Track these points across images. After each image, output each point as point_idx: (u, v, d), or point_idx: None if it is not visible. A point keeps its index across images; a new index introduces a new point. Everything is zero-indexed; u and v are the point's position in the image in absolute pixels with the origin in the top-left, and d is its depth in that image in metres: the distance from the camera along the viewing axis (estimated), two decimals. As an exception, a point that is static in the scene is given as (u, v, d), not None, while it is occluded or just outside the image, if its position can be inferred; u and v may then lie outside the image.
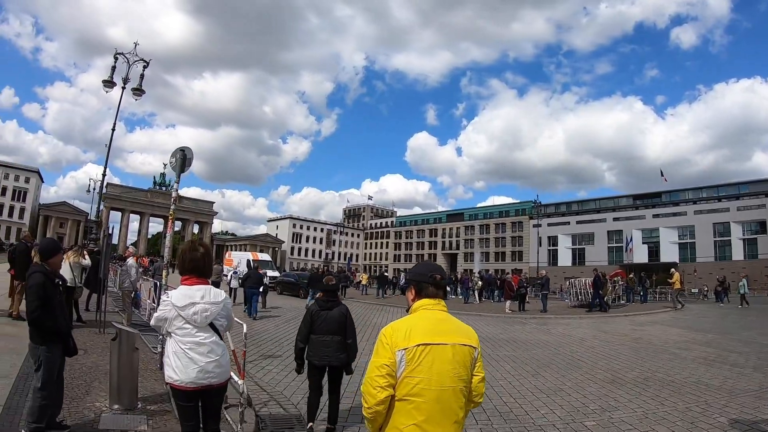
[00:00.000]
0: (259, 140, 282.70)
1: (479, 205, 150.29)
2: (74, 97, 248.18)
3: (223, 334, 4.53)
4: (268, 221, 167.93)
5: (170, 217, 11.27)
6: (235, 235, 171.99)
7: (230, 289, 27.28)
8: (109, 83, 25.13)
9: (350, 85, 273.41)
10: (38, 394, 5.35)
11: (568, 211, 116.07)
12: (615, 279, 33.35)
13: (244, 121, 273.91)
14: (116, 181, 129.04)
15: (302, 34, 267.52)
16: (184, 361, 4.22)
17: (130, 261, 14.35)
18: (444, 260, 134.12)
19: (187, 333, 4.29)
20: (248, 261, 44.17)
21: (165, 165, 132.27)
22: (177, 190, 11.37)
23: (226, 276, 32.31)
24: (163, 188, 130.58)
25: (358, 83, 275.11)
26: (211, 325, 4.40)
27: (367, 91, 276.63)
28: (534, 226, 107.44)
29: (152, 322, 4.48)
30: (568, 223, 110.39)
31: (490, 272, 58.71)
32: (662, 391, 9.76)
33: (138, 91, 25.35)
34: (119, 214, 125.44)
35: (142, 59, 25.56)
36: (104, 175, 27.11)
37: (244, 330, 7.68)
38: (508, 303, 28.31)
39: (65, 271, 12.77)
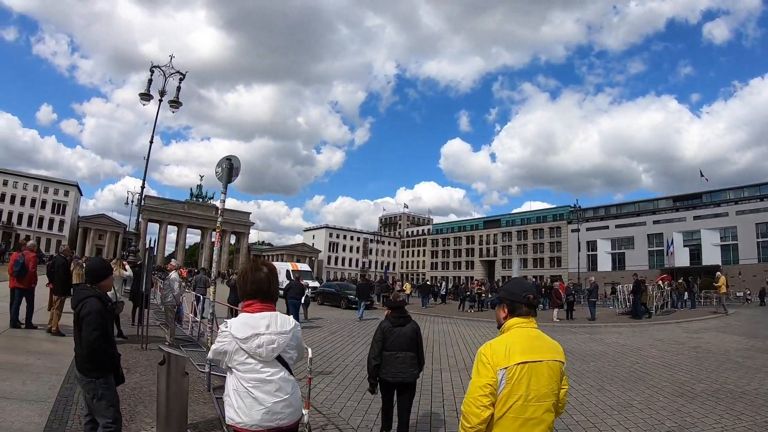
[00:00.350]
0: (293, 151, 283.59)
1: (515, 210, 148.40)
2: (110, 113, 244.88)
3: (292, 367, 3.79)
4: (305, 231, 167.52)
5: (217, 230, 10.71)
6: (272, 245, 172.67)
7: None
8: (146, 96, 24.95)
9: (382, 93, 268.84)
10: None
11: (606, 214, 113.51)
12: (661, 284, 32.14)
13: (278, 133, 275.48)
14: (153, 193, 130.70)
15: (333, 45, 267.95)
16: (247, 401, 3.47)
17: (173, 274, 13.82)
18: (481, 267, 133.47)
19: (251, 369, 3.55)
20: (288, 271, 43.55)
21: (201, 177, 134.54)
22: (224, 201, 10.82)
23: None
24: (200, 200, 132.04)
25: (390, 92, 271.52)
26: (279, 359, 3.63)
27: (400, 99, 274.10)
28: (573, 231, 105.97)
29: (210, 355, 3.74)
30: (607, 227, 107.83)
31: (533, 279, 56.99)
32: (736, 404, 9.18)
33: (175, 104, 25.20)
34: (157, 225, 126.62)
35: (178, 72, 25.41)
36: (143, 187, 26.93)
37: (309, 355, 7.21)
38: (555, 311, 27.56)
39: None
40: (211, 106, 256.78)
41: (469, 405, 3.01)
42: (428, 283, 47.60)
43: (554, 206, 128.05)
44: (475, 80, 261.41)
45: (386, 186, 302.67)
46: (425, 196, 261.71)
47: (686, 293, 35.70)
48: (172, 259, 15.86)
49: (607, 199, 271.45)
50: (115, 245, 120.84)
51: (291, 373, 3.71)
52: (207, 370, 9.04)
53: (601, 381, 11.45)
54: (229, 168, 10.45)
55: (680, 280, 37.07)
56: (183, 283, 14.62)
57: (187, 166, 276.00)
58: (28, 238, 12.61)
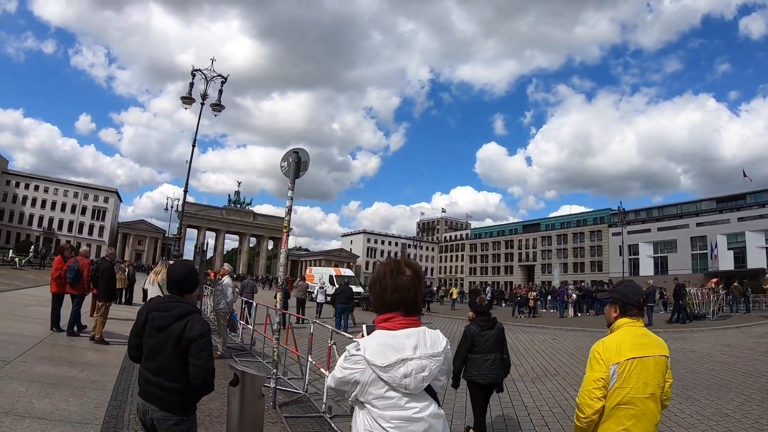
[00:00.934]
0: (329, 157, 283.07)
1: (554, 214, 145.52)
2: (148, 121, 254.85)
3: (442, 397, 2.59)
4: (342, 236, 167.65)
5: (285, 231, 9.79)
6: (309, 251, 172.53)
7: (317, 304, 27.29)
8: (187, 99, 24.46)
9: (416, 98, 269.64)
10: None
11: (648, 217, 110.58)
12: (715, 287, 31.41)
13: (313, 139, 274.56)
14: (191, 199, 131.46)
15: (367, 51, 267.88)
16: None
17: (227, 280, 12.77)
18: (521, 272, 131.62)
19: (392, 404, 2.35)
20: (331, 276, 43.08)
21: (239, 183, 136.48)
22: (291, 198, 9.62)
23: (312, 292, 30.95)
24: (238, 206, 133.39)
25: (425, 96, 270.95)
26: (428, 389, 2.46)
27: (434, 103, 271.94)
28: (614, 234, 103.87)
29: (331, 384, 2.56)
30: (649, 230, 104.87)
31: (582, 284, 55.22)
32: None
33: (217, 107, 24.65)
34: (195, 231, 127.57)
35: (220, 75, 24.85)
36: (185, 191, 25.58)
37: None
38: None
39: (155, 292, 11.52)
40: (247, 114, 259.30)
41: (583, 397, 3.29)
42: (478, 288, 46.07)
43: (594, 209, 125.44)
44: (509, 83, 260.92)
45: (422, 191, 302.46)
46: (461, 200, 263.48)
47: (742, 297, 34.42)
48: (225, 264, 14.73)
49: (646, 202, 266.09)
50: (154, 250, 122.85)
51: (440, 406, 2.55)
52: (272, 385, 7.93)
53: (684, 389, 10.69)
54: (297, 162, 9.42)
55: (735, 284, 35.94)
56: (236, 289, 13.60)
57: (223, 173, 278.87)
58: (69, 243, 11.88)
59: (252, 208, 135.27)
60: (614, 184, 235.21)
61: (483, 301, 7.48)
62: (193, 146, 25.48)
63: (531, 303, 34.01)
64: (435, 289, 51.28)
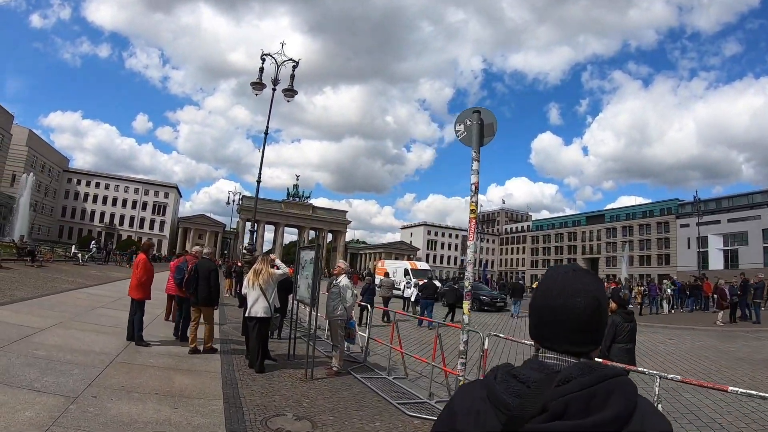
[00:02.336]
0: (383, 150, 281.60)
1: (611, 206, 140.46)
2: (203, 119, 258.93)
3: None
4: (402, 228, 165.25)
5: (471, 217, 7.42)
6: (366, 243, 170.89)
7: (404, 300, 27.10)
8: (257, 85, 23.34)
9: (470, 89, 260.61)
10: None
11: (718, 208, 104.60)
12: None
13: (367, 132, 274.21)
14: (247, 193, 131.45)
15: (417, 43, 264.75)
16: None
17: (344, 281, 10.16)
18: (584, 265, 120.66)
19: None
20: (406, 270, 40.65)
21: (297, 177, 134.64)
22: (477, 173, 7.63)
23: (399, 289, 29.29)
24: (297, 199, 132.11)
25: (478, 87, 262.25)
26: None
27: (488, 94, 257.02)
28: (682, 226, 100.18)
29: None
30: (719, 221, 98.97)
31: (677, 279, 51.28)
32: None
33: (289, 92, 23.71)
34: (254, 224, 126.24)
35: (291, 59, 23.79)
36: (259, 181, 25.26)
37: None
38: (720, 314, 24.34)
39: (256, 298, 9.49)
40: (300, 108, 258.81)
41: None
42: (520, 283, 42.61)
43: (661, 200, 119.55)
44: (563, 71, 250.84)
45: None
46: (517, 192, 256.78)
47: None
48: (340, 261, 12.15)
49: (706, 192, 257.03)
50: (215, 244, 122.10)
51: None
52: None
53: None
54: (480, 126, 7.31)
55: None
56: (356, 292, 11.04)
57: (278, 167, 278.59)
58: (150, 242, 9.74)
59: (311, 201, 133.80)
60: (673, 173, 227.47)
61: (626, 296, 8.69)
62: (266, 134, 24.81)
63: (638, 300, 30.50)
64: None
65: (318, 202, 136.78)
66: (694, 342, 18.25)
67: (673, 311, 31.69)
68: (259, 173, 25.02)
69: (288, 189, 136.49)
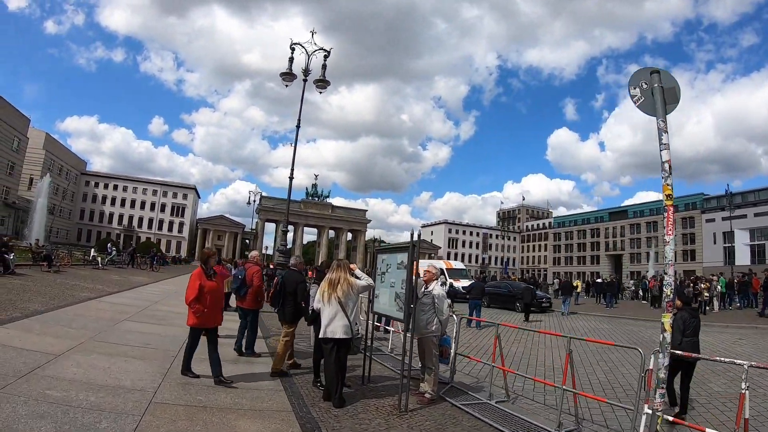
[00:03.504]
0: (399, 148, 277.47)
1: (629, 202, 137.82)
2: (218, 121, 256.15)
3: None
4: (422, 227, 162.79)
5: (668, 205, 7.12)
6: (385, 243, 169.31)
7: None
8: (287, 75, 22.73)
9: (485, 86, 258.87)
10: None
11: (744, 202, 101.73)
12: None
13: (383, 131, 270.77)
14: (266, 194, 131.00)
15: (431, 40, 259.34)
16: None
17: (437, 289, 8.27)
18: (608, 262, 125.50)
19: None
20: (441, 270, 38.51)
21: (316, 176, 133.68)
22: (666, 147, 6.90)
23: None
24: (316, 198, 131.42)
25: (493, 83, 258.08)
26: None
27: (503, 90, 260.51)
28: (707, 221, 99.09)
29: None
30: (745, 216, 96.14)
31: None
32: None
33: (321, 83, 23.06)
34: (273, 225, 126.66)
35: (322, 48, 23.16)
36: (291, 177, 24.40)
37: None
38: None
39: (332, 315, 7.67)
40: (315, 108, 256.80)
41: None
42: (614, 279, 40.85)
43: (686, 194, 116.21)
44: (579, 66, 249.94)
45: (493, 180, 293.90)
46: (534, 189, 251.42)
47: None
48: (429, 264, 10.21)
49: (723, 187, 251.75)
50: (234, 245, 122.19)
51: None
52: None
53: None
54: (661, 92, 6.52)
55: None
56: (450, 301, 9.13)
57: (295, 168, 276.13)
58: (210, 250, 7.89)
59: (330, 201, 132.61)
60: (692, 167, 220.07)
61: (690, 294, 10.52)
62: (298, 127, 24.09)
63: (705, 297, 28.47)
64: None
65: (335, 201, 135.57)
66: (758, 344, 17.06)
67: (720, 309, 30.09)
68: (291, 170, 24.24)
69: (307, 189, 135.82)
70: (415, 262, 7.43)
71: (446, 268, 39.73)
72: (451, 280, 36.95)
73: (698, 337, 8.11)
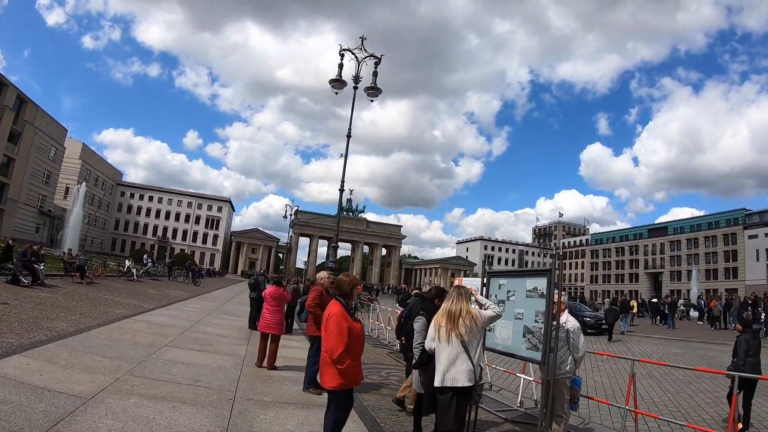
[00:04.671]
0: (431, 164, 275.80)
1: (662, 219, 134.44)
2: (252, 135, 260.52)
3: None
4: (457, 243, 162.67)
5: None
6: (417, 258, 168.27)
7: None
8: (337, 82, 21.89)
9: (517, 101, 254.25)
10: None
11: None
12: None
13: (415, 146, 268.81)
14: (286, 209, 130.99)
15: (464, 55, 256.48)
16: None
17: (571, 321, 6.50)
18: (647, 280, 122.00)
19: None
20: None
21: (351, 191, 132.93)
22: None
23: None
24: (350, 213, 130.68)
25: (525, 98, 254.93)
26: None
27: (536, 105, 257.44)
28: (750, 237, 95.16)
29: None
30: None
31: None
32: None
33: (373, 90, 21.83)
34: (308, 239, 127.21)
35: (373, 55, 22.30)
36: (341, 190, 23.12)
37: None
38: None
39: (453, 357, 5.78)
40: (348, 124, 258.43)
41: None
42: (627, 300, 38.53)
43: (728, 210, 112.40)
44: (612, 79, 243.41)
45: (526, 196, 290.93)
46: (566, 205, 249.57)
47: None
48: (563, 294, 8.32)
49: (759, 202, 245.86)
50: (268, 259, 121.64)
51: None
52: None
53: None
54: None
55: None
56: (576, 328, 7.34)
57: (327, 182, 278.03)
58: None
59: (365, 216, 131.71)
60: (727, 182, 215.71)
61: (749, 316, 11.26)
62: (348, 137, 23.26)
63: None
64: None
65: (369, 216, 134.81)
66: None
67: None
68: (342, 182, 22.71)
69: (341, 203, 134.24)
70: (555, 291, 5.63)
71: None
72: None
73: (759, 358, 8.63)
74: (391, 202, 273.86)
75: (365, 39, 22.65)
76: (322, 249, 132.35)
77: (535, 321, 6.63)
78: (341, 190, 22.93)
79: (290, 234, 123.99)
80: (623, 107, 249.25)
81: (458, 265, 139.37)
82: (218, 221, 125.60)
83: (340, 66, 21.67)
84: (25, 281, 18.35)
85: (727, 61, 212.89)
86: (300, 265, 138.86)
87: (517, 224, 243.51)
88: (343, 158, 23.17)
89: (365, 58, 21.99)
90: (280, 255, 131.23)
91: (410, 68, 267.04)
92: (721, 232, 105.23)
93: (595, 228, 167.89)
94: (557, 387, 6.90)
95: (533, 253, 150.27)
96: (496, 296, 7.62)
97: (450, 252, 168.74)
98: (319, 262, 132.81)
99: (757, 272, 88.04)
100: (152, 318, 15.21)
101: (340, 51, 21.89)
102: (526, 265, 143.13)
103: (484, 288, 8.02)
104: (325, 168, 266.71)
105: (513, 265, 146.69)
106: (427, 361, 6.30)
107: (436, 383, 5.67)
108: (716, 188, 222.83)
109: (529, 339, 6.70)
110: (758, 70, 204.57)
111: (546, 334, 6.20)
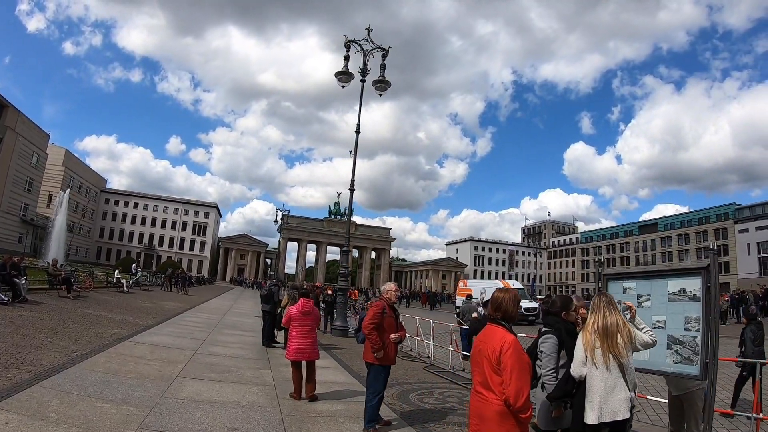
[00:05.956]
0: (416, 166, 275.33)
1: (646, 215, 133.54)
2: (235, 140, 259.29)
3: None
4: (447, 244, 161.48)
5: None
6: (406, 260, 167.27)
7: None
8: (344, 75, 21.39)
9: (501, 101, 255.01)
10: None
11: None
12: None
13: (400, 149, 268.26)
14: (277, 214, 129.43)
15: (447, 57, 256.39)
16: None
17: None
18: None
19: None
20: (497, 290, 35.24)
21: (339, 194, 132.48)
22: None
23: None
24: (339, 217, 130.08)
25: (509, 99, 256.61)
26: None
27: (519, 105, 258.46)
28: (740, 231, 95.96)
29: None
30: None
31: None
32: None
33: (382, 84, 21.86)
34: (296, 244, 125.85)
35: (380, 47, 22.04)
36: (352, 190, 22.61)
37: None
38: None
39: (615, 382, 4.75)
40: (332, 127, 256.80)
41: None
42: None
43: (718, 205, 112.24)
44: (594, 79, 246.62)
45: (511, 196, 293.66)
46: (551, 204, 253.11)
47: None
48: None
49: (744, 197, 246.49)
50: (257, 265, 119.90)
51: None
52: None
53: None
54: None
55: None
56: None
57: (311, 186, 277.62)
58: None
59: (354, 219, 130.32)
60: (711, 178, 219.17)
61: (754, 310, 10.74)
62: (357, 132, 23.21)
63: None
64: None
65: (356, 219, 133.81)
66: None
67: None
68: (352, 181, 22.62)
69: (330, 207, 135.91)
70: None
71: (504, 288, 35.87)
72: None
73: (764, 347, 9.62)
74: (377, 204, 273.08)
75: (371, 30, 22.06)
76: (311, 254, 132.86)
77: (686, 329, 5.71)
78: (351, 190, 22.29)
79: (279, 239, 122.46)
80: (606, 106, 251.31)
81: (449, 267, 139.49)
82: (205, 227, 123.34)
83: (346, 58, 21.23)
84: (4, 299, 16.14)
85: (708, 59, 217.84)
86: (289, 270, 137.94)
87: (503, 224, 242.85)
88: (352, 157, 23.01)
89: (372, 50, 21.71)
90: (268, 261, 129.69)
91: (394, 71, 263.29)
92: (711, 227, 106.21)
93: (580, 226, 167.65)
94: (692, 402, 5.91)
95: (524, 253, 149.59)
96: (620, 303, 5.73)
97: (436, 253, 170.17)
98: (307, 266, 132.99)
99: (749, 266, 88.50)
100: (153, 338, 13.16)
101: (346, 42, 21.33)
102: (517, 265, 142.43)
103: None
104: (309, 172, 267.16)
105: (504, 265, 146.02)
106: (571, 391, 5.03)
107: (591, 420, 4.68)
108: (700, 184, 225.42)
109: (677, 351, 5.77)
110: (739, 66, 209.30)
111: (708, 343, 5.27)
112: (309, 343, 8.60)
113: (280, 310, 14.74)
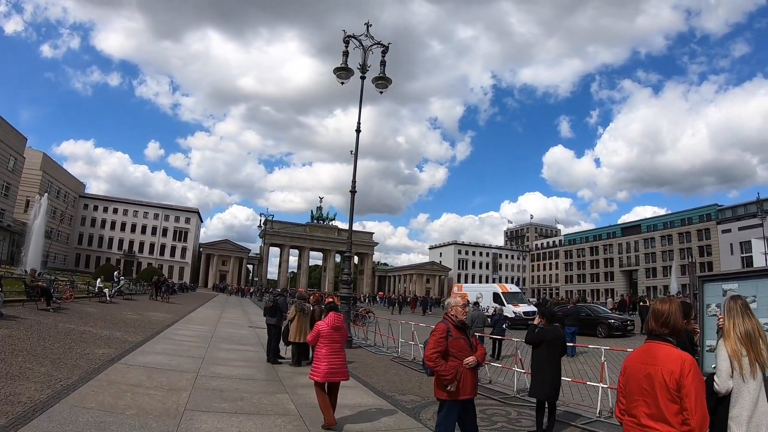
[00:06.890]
0: (395, 170, 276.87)
1: (625, 217, 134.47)
2: (214, 145, 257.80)
3: None
4: (430, 248, 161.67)
5: None
6: (388, 265, 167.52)
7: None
8: (343, 71, 20.86)
9: (480, 106, 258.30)
10: None
11: (761, 211, 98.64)
12: None
13: (379, 153, 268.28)
14: (261, 219, 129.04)
15: (427, 61, 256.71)
16: None
17: None
18: (622, 278, 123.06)
19: None
20: (496, 294, 36.14)
21: (321, 198, 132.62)
22: None
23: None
24: (321, 222, 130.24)
25: (488, 103, 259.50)
26: None
27: (499, 110, 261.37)
28: (723, 231, 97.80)
29: None
30: (761, 224, 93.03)
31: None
32: None
33: (382, 81, 21.28)
34: (278, 249, 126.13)
35: (380, 43, 21.59)
36: (353, 192, 21.59)
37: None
38: None
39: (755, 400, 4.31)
40: (311, 132, 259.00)
41: None
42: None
43: (700, 206, 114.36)
44: (573, 83, 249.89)
45: (490, 200, 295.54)
46: (530, 207, 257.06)
47: None
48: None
49: (721, 197, 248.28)
50: (239, 271, 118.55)
51: None
52: None
53: None
54: None
55: None
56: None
57: (291, 191, 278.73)
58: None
59: (336, 223, 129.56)
60: (688, 180, 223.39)
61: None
62: (358, 132, 22.65)
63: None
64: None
65: (338, 224, 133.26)
66: None
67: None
68: (353, 182, 21.74)
69: (312, 212, 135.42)
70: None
71: (502, 292, 36.75)
72: (511, 305, 33.87)
73: None
74: (356, 209, 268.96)
75: (371, 25, 21.60)
76: (293, 259, 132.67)
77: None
78: (353, 192, 21.34)
79: (261, 244, 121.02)
80: (584, 110, 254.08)
81: (433, 271, 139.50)
82: (186, 233, 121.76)
83: (345, 54, 20.75)
84: (-22, 314, 14.74)
85: (686, 63, 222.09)
86: (271, 276, 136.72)
87: (483, 228, 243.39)
88: (354, 157, 22.43)
89: (372, 45, 21.33)
90: (250, 267, 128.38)
91: (375, 74, 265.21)
92: (694, 228, 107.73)
93: (561, 229, 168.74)
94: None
95: (508, 256, 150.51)
96: (718, 306, 5.79)
97: (417, 258, 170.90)
98: (289, 271, 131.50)
99: (732, 265, 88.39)
100: (146, 359, 11.64)
101: (344, 38, 20.89)
102: (500, 268, 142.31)
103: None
104: (288, 177, 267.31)
105: (488, 269, 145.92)
106: (714, 409, 4.38)
107: None
108: (678, 186, 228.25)
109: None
110: (716, 70, 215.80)
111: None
112: (340, 362, 7.66)
113: (286, 323, 13.57)
